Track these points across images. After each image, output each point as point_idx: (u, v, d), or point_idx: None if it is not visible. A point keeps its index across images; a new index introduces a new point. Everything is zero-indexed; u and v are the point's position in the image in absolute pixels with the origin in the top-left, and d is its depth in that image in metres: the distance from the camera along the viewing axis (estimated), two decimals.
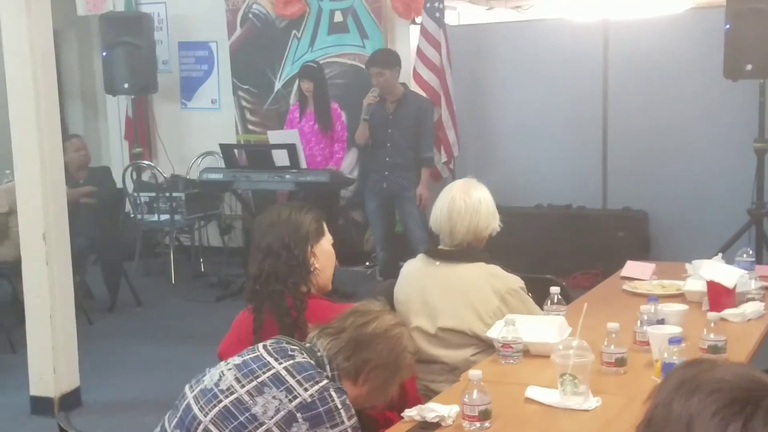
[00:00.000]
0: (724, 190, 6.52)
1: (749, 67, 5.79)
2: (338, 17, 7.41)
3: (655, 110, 6.76)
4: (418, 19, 7.12)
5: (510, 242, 6.92)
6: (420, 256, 3.10)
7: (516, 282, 2.98)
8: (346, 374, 2.00)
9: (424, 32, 7.00)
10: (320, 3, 7.43)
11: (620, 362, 2.37)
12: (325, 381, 1.93)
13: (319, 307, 2.34)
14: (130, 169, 7.30)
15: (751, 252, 3.34)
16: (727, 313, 2.84)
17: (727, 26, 5.88)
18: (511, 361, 2.50)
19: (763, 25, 5.73)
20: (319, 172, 6.30)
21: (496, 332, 2.56)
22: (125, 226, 7.34)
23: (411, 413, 2.09)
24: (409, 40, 7.29)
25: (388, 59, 5.99)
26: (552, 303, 2.84)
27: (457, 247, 2.98)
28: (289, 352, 1.98)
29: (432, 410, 2.06)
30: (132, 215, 7.15)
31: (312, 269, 2.44)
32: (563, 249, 6.84)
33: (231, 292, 6.67)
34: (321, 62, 7.19)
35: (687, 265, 3.36)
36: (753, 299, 2.91)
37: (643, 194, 6.84)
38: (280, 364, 1.94)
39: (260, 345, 2.04)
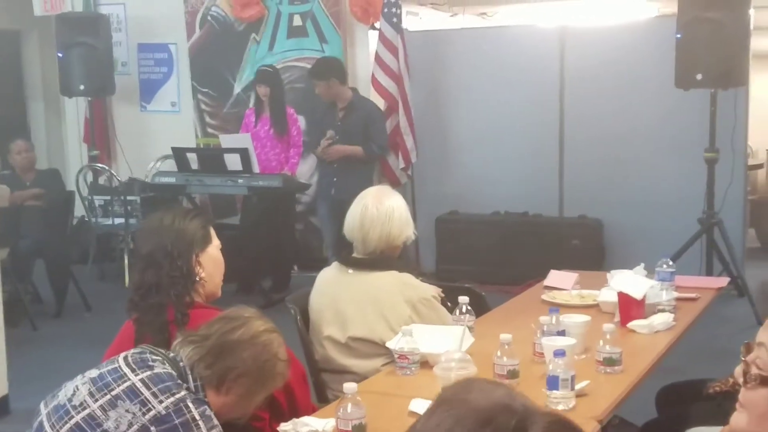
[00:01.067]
0: (677, 198, 6.53)
1: (699, 76, 5.80)
2: (297, 21, 7.37)
3: (611, 119, 6.76)
4: (378, 24, 7.09)
5: (466, 248, 7.00)
6: (334, 264, 3.07)
7: (428, 291, 2.95)
8: (208, 383, 1.96)
9: (382, 38, 6.98)
10: (279, 6, 7.39)
11: (512, 374, 2.34)
12: (182, 392, 1.88)
13: (205, 317, 2.28)
14: (84, 172, 7.23)
15: (671, 262, 3.33)
16: (635, 324, 2.83)
17: (678, 35, 5.89)
18: (408, 373, 2.47)
19: (713, 34, 5.74)
20: (272, 176, 6.27)
21: (394, 343, 2.53)
22: (80, 230, 7.29)
23: (286, 427, 2.06)
24: (368, 45, 7.26)
25: (323, 70, 6.00)
26: (460, 313, 2.82)
27: (370, 255, 2.95)
28: (149, 363, 1.94)
29: (306, 425, 2.03)
30: (87, 219, 7.09)
31: (198, 278, 2.39)
32: (519, 256, 6.83)
33: None
34: (280, 66, 7.17)
35: (608, 275, 3.34)
36: (663, 311, 2.89)
37: (598, 202, 6.83)
38: (137, 375, 1.89)
39: (121, 356, 1.99)
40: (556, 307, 2.63)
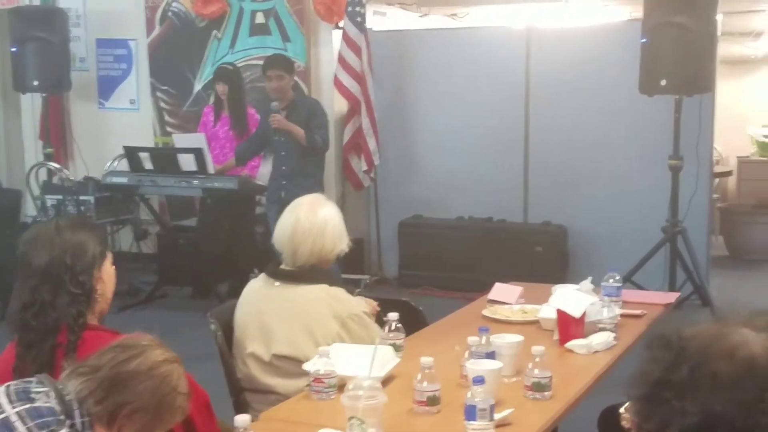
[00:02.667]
0: (642, 206, 6.42)
1: (664, 82, 5.68)
2: (260, 18, 7.20)
3: (576, 124, 6.64)
4: (342, 24, 6.93)
5: (430, 254, 6.85)
6: (261, 276, 2.90)
7: (359, 306, 2.80)
8: (98, 420, 1.77)
9: (345, 37, 6.82)
10: (241, 3, 7.21)
11: (432, 401, 2.19)
12: (64, 430, 1.71)
13: (98, 339, 2.08)
14: (35, 170, 7.02)
15: (618, 277, 3.19)
16: (573, 344, 2.68)
17: (644, 40, 5.76)
18: (323, 397, 2.31)
19: (678, 39, 5.62)
20: (227, 178, 6.10)
21: (311, 364, 2.38)
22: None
23: None
24: (332, 44, 7.09)
25: (288, 63, 5.80)
26: (389, 330, 2.66)
27: (299, 268, 2.80)
28: (31, 395, 1.75)
29: None
30: (38, 219, 6.88)
31: (97, 296, 2.21)
32: (483, 262, 6.69)
33: (137, 301, 6.45)
34: (241, 65, 7.00)
35: (553, 289, 3.20)
36: (604, 329, 2.75)
37: (563, 209, 6.71)
38: (14, 408, 1.72)
39: (4, 385, 1.81)
40: (486, 327, 2.48)
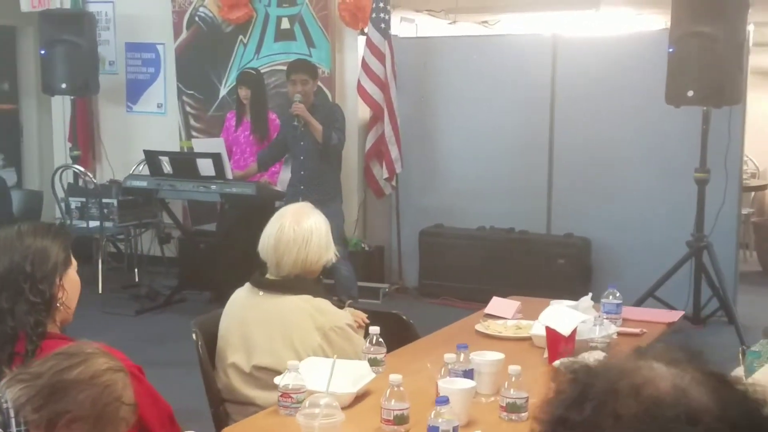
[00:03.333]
0: (667, 219, 6.27)
1: (691, 93, 5.52)
2: (285, 24, 7.18)
3: (601, 134, 6.51)
4: (367, 30, 6.88)
5: (450, 264, 6.76)
6: (246, 284, 2.85)
7: (343, 318, 2.73)
8: (35, 428, 1.73)
9: (369, 44, 6.77)
10: (267, 9, 7.21)
11: (400, 420, 2.11)
12: None
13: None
14: (60, 173, 7.07)
15: (617, 294, 3.09)
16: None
17: (670, 49, 5.62)
18: (291, 413, 2.24)
19: (705, 49, 5.47)
20: (245, 184, 6.07)
21: (280, 378, 2.31)
22: None
23: None
24: (357, 50, 7.05)
25: (313, 68, 5.74)
26: (371, 344, 2.59)
27: (283, 278, 2.74)
28: None
29: None
30: (62, 221, 6.94)
31: (58, 304, 2.17)
32: (503, 274, 6.59)
33: (154, 305, 6.46)
34: (266, 70, 6.99)
35: (552, 303, 3.10)
36: (596, 348, 2.65)
37: (586, 220, 6.57)
38: None
39: None
40: (465, 344, 2.39)
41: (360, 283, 6.78)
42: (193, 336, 2.76)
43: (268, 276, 2.79)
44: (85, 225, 6.90)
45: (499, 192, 6.83)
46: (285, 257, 2.71)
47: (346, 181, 7.16)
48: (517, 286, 6.52)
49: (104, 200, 6.83)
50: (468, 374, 2.33)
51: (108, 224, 6.88)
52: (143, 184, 6.23)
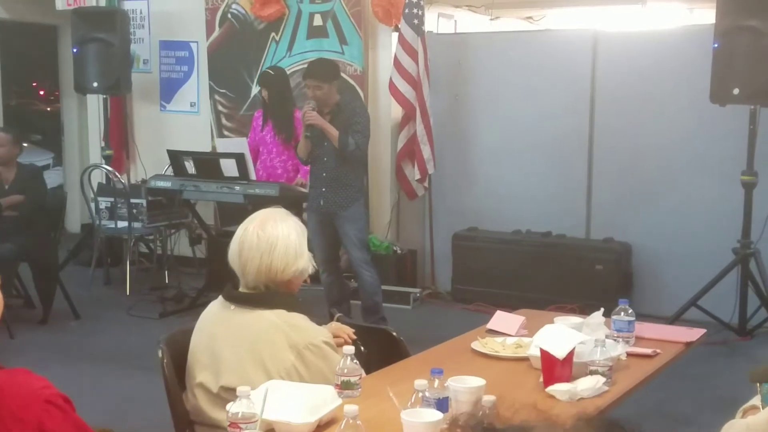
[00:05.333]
0: (712, 224, 5.92)
1: (736, 91, 5.20)
2: (318, 21, 7.00)
3: (643, 134, 6.18)
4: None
5: (484, 268, 6.50)
6: (219, 297, 2.66)
7: (319, 335, 2.52)
8: None
9: (401, 40, 6.55)
10: (300, 5, 7.04)
11: None
12: None
13: None
14: (89, 172, 7.01)
15: (630, 311, 2.82)
16: (555, 389, 2.34)
17: (715, 45, 5.29)
18: None
19: (752, 45, 5.14)
20: (268, 184, 5.90)
21: (231, 405, 2.11)
22: (90, 232, 7.10)
23: None
24: (391, 47, 6.83)
25: (327, 72, 5.46)
26: (345, 365, 2.37)
27: (254, 290, 2.54)
28: None
29: None
30: (92, 221, 6.89)
31: None
32: (539, 280, 6.33)
33: (179, 308, 6.33)
34: (298, 68, 6.81)
35: (555, 320, 2.85)
36: (596, 372, 2.40)
37: (627, 225, 6.26)
38: None
39: None
40: (440, 369, 2.16)
41: (391, 288, 6.58)
42: (159, 353, 2.58)
43: (241, 289, 2.59)
44: (113, 225, 6.83)
45: (535, 194, 6.55)
46: (248, 265, 2.51)
47: (378, 182, 6.98)
48: (553, 293, 6.29)
49: (133, 200, 6.75)
50: (442, 403, 2.10)
51: (137, 225, 6.80)
52: (167, 184, 6.10)
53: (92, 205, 6.92)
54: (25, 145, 11.26)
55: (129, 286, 6.74)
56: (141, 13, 7.71)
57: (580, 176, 6.43)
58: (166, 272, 7.11)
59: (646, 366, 2.66)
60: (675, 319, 5.60)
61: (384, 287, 6.57)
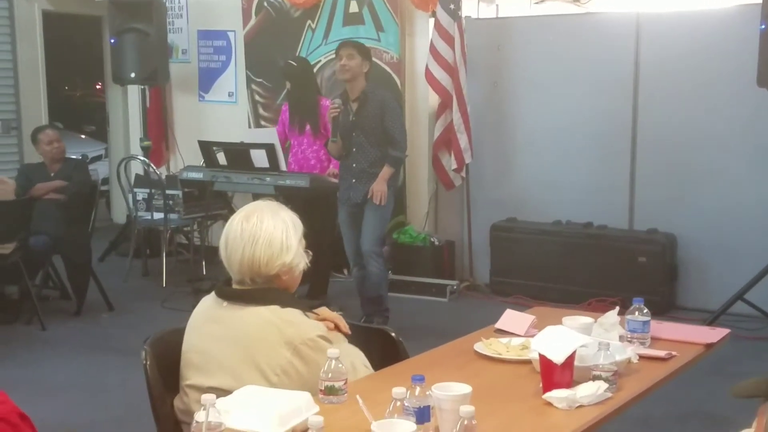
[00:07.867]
0: (761, 215, 5.65)
1: None
2: (354, 7, 6.87)
3: (689, 120, 5.92)
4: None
5: (523, 260, 6.32)
6: (211, 294, 2.55)
7: (314, 330, 2.39)
8: None
9: (437, 26, 6.39)
10: None
11: None
12: None
13: None
14: (124, 164, 7.01)
15: (645, 310, 2.63)
16: (552, 396, 2.18)
17: (762, 26, 5.02)
18: None
19: None
20: (299, 175, 5.82)
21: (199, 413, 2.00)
22: (128, 224, 7.11)
23: None
24: (428, 34, 6.66)
25: (362, 46, 5.40)
26: (330, 366, 2.24)
27: (247, 285, 2.44)
28: None
29: None
30: (129, 213, 6.90)
31: None
32: (580, 272, 6.14)
33: None
34: (333, 56, 6.68)
35: (564, 320, 2.68)
36: (599, 377, 2.23)
37: (672, 215, 6.01)
38: None
39: None
40: (421, 375, 2.02)
41: (428, 280, 6.46)
42: (142, 355, 2.48)
43: (233, 285, 2.48)
44: (150, 217, 6.82)
45: (576, 183, 6.33)
46: (233, 256, 2.41)
47: (416, 172, 6.83)
48: (594, 286, 6.09)
49: (169, 192, 6.72)
50: (423, 412, 1.96)
51: (173, 216, 6.77)
52: (199, 175, 6.07)
53: (129, 196, 6.92)
54: (82, 136, 11.50)
55: (165, 278, 6.72)
56: (179, 2, 7.68)
57: (623, 164, 6.19)
58: (203, 264, 7.08)
59: (659, 370, 2.48)
60: (721, 314, 5.38)
61: (421, 279, 6.48)
